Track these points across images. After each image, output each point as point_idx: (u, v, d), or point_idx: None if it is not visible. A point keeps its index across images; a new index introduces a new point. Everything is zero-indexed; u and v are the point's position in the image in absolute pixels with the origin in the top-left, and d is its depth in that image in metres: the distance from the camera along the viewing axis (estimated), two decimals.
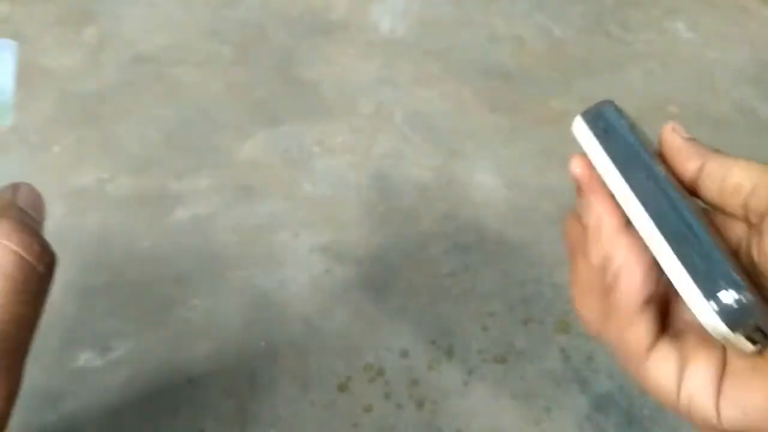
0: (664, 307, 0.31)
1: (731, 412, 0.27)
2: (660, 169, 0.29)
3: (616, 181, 0.30)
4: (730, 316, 0.26)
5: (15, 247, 0.24)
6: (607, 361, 0.64)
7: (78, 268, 0.68)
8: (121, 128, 0.83)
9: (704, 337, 0.29)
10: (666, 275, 0.28)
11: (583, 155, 0.32)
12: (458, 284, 0.70)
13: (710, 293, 0.26)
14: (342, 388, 0.62)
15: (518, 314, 0.68)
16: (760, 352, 0.27)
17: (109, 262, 0.69)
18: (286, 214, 0.75)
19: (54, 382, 0.60)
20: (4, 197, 0.26)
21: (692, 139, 0.31)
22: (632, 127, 0.31)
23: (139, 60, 0.91)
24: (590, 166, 0.31)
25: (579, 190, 0.32)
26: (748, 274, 0.28)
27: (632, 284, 0.29)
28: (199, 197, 0.76)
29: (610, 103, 0.32)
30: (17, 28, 0.94)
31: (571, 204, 0.33)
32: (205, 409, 0.60)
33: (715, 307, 0.26)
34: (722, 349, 0.29)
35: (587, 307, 0.32)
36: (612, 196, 0.30)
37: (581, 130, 0.32)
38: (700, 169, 0.30)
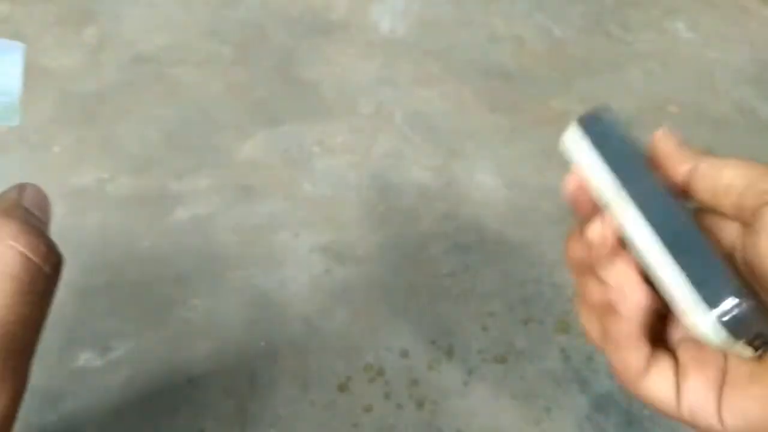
0: (659, 320, 0.31)
1: (734, 420, 0.28)
2: (656, 177, 0.29)
3: (613, 190, 0.30)
4: (733, 324, 0.26)
5: (21, 248, 0.24)
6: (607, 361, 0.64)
7: (78, 268, 0.68)
8: (121, 128, 0.83)
9: (701, 347, 0.30)
10: (663, 284, 0.28)
11: (576, 175, 0.32)
12: (458, 284, 0.70)
13: (713, 302, 0.26)
14: (342, 388, 0.62)
15: (518, 314, 0.68)
16: (759, 357, 0.28)
17: (109, 262, 0.69)
18: (286, 214, 0.75)
19: (54, 382, 0.60)
20: (10, 198, 0.26)
21: (683, 144, 0.31)
22: (627, 134, 0.31)
23: (139, 60, 0.91)
24: (584, 186, 0.32)
25: (577, 212, 0.33)
26: (743, 277, 0.28)
27: (632, 309, 0.29)
28: (199, 197, 0.76)
29: (605, 110, 0.32)
30: (17, 28, 0.94)
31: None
32: (205, 409, 0.60)
33: (718, 315, 0.26)
34: (720, 358, 0.29)
35: (589, 324, 0.33)
36: (610, 216, 0.30)
37: (575, 139, 0.32)
38: (692, 171, 0.30)
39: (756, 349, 0.27)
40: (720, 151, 0.30)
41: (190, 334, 0.64)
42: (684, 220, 0.28)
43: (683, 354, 0.30)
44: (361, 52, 0.95)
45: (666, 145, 0.31)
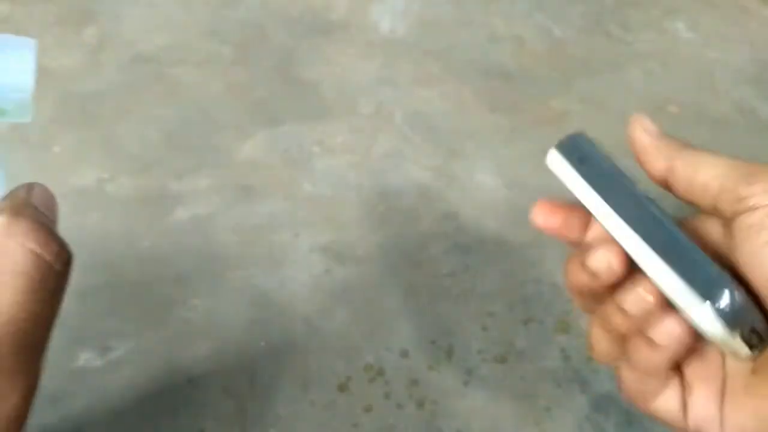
0: None
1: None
2: (638, 188, 0.31)
3: (597, 205, 0.31)
4: (727, 313, 0.27)
5: (32, 246, 0.24)
6: None
7: (78, 268, 0.67)
8: (121, 128, 0.83)
9: (705, 362, 0.30)
10: (661, 288, 0.29)
11: (541, 207, 0.34)
12: (458, 284, 0.70)
13: (706, 294, 0.27)
14: (342, 388, 0.62)
15: (518, 314, 0.68)
16: (755, 358, 0.28)
17: (109, 262, 0.69)
18: (286, 214, 0.75)
19: (54, 382, 0.60)
20: (19, 197, 0.26)
21: (660, 135, 0.31)
22: (605, 153, 0.32)
23: (139, 60, 0.91)
24: (556, 212, 0.34)
25: (561, 239, 0.33)
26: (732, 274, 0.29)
27: (665, 340, 0.28)
28: (199, 197, 0.76)
29: (580, 134, 0.34)
30: (17, 28, 0.94)
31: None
32: (205, 409, 0.60)
33: (713, 306, 0.27)
34: (721, 371, 0.30)
35: (602, 344, 0.32)
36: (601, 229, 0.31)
37: (557, 161, 0.34)
38: (669, 170, 0.30)
39: (752, 347, 0.28)
40: (720, 152, 0.30)
41: (190, 334, 0.64)
42: (671, 225, 0.29)
43: (689, 371, 0.30)
44: (361, 52, 0.95)
45: (642, 140, 0.31)
